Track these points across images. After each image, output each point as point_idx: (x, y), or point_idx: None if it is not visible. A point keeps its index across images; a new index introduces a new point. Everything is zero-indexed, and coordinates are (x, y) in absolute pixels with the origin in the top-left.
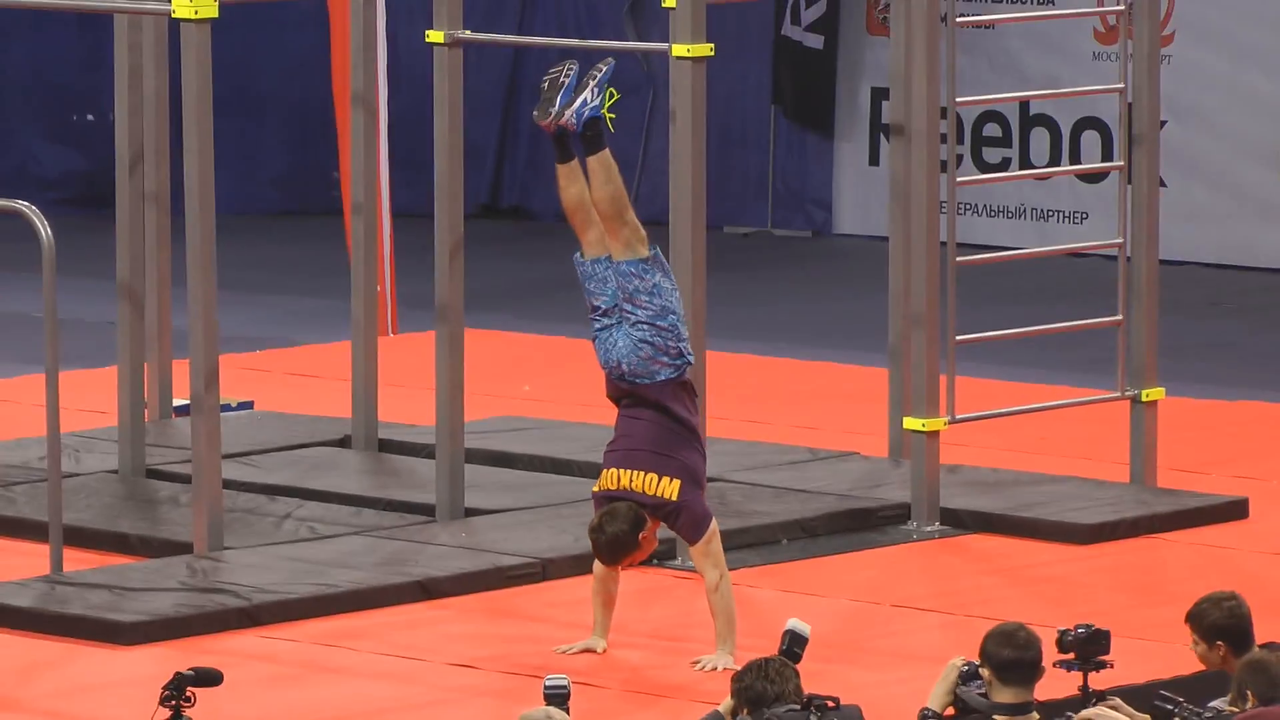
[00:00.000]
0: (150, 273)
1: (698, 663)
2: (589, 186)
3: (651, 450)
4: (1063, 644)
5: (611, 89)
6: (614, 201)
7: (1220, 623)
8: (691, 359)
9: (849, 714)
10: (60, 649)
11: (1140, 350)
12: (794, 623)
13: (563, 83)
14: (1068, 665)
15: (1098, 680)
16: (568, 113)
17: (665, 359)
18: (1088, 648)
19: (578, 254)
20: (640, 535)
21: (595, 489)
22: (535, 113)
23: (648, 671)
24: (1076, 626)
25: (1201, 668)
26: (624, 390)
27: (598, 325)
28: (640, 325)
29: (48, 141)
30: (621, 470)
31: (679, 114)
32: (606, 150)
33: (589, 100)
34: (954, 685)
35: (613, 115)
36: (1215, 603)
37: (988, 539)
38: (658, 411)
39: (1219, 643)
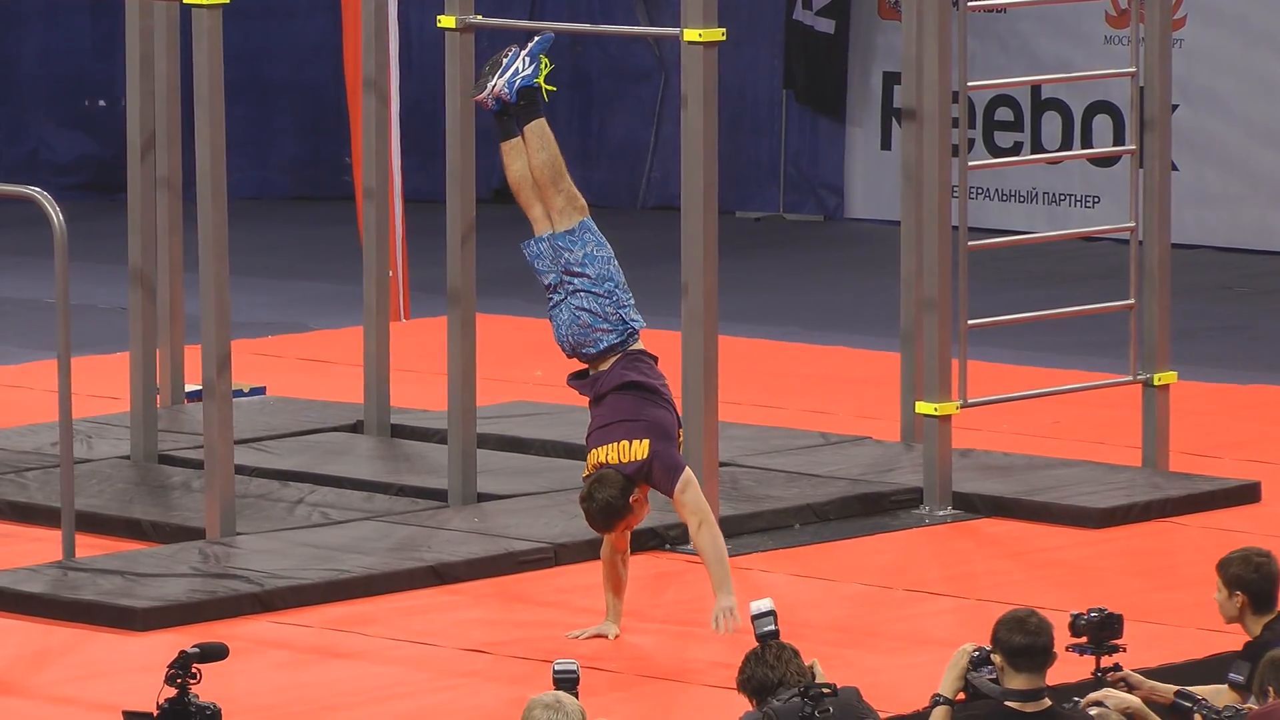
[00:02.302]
0: (162, 258)
1: (715, 627)
2: (527, 154)
3: (620, 420)
4: (1075, 628)
5: (546, 59)
6: (549, 167)
7: (1243, 574)
8: (636, 325)
9: (846, 696)
10: (73, 635)
11: (1152, 334)
12: (753, 605)
13: (502, 62)
14: (1080, 649)
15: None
16: (500, 83)
17: (606, 325)
18: (1100, 632)
19: (525, 240)
20: (630, 499)
21: (584, 475)
22: (472, 90)
23: (658, 656)
24: (1089, 611)
25: (1208, 654)
26: (585, 385)
27: (550, 303)
28: (578, 294)
29: (60, 127)
30: (598, 448)
31: (690, 99)
32: (543, 119)
33: (520, 70)
34: (965, 670)
35: (551, 88)
36: (1245, 555)
37: (1000, 523)
38: (618, 390)
39: (1238, 593)
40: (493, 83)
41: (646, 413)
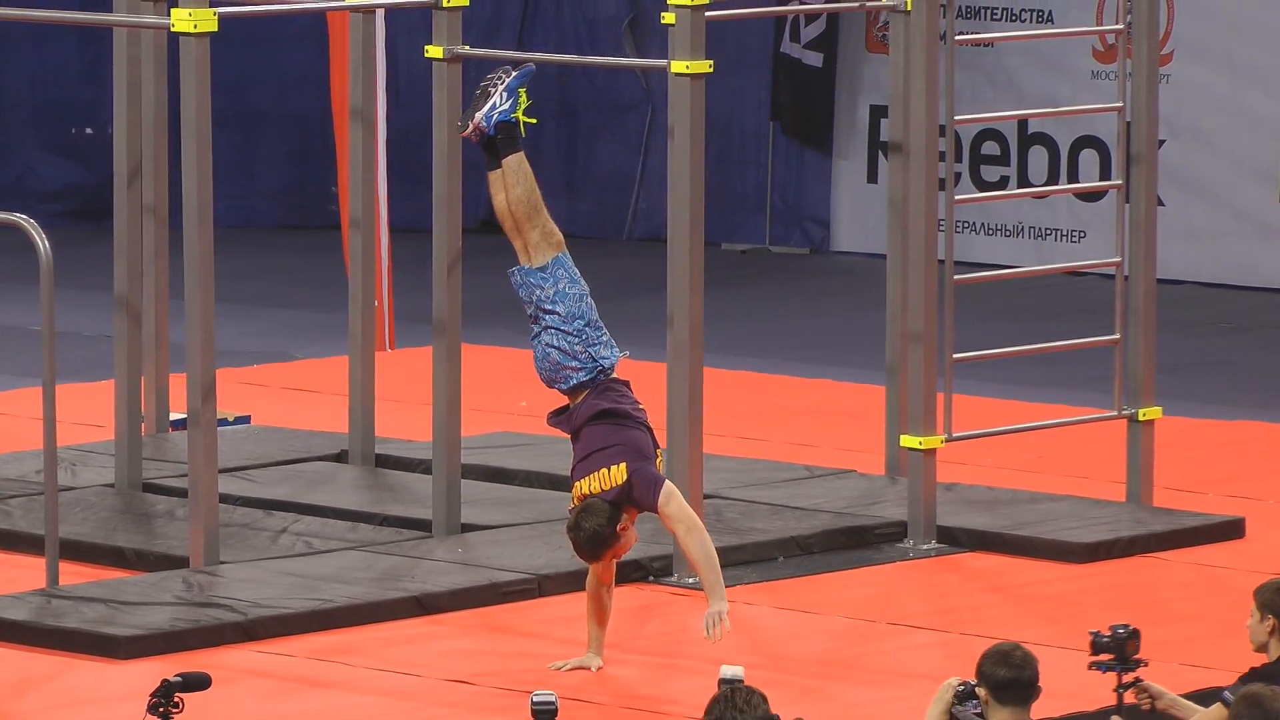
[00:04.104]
0: (148, 286)
1: (706, 634)
2: (505, 188)
3: (597, 450)
4: (1098, 646)
5: (524, 93)
6: (525, 203)
7: (1277, 600)
8: (607, 362)
9: None
10: (56, 662)
11: (1137, 369)
12: (725, 669)
13: (489, 91)
14: (1104, 666)
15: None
16: (478, 116)
17: (575, 363)
18: (1125, 648)
19: (511, 267)
20: (618, 526)
21: (569, 508)
22: (458, 123)
23: (640, 688)
24: (1114, 627)
25: (1192, 689)
26: (563, 422)
27: (531, 335)
28: (550, 330)
29: (47, 154)
30: (580, 481)
31: (678, 130)
32: (520, 153)
33: (498, 104)
34: (950, 705)
35: (531, 120)
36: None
37: (984, 557)
38: (592, 421)
39: (1270, 617)
40: (475, 116)
41: (621, 437)
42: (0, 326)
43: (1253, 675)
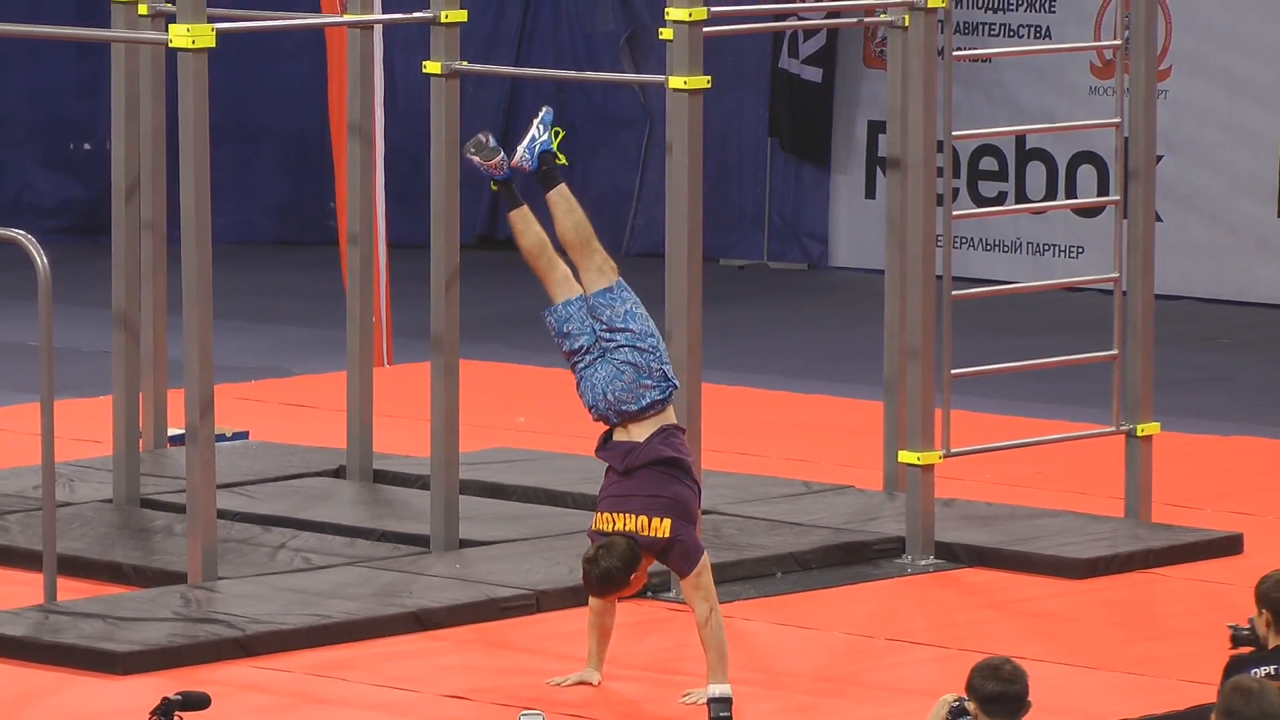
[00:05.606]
0: (146, 302)
1: (687, 695)
2: (553, 220)
3: (643, 495)
4: (1239, 638)
5: (557, 128)
6: (580, 229)
7: (1270, 593)
8: (677, 383)
9: None
10: (53, 678)
11: (1135, 385)
12: (713, 688)
13: (484, 141)
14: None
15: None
16: (520, 150)
17: (649, 381)
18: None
19: (546, 308)
20: (632, 575)
21: (592, 528)
22: (487, 167)
23: (641, 704)
24: (1252, 619)
25: (1189, 705)
26: (617, 457)
27: (581, 364)
28: (621, 349)
29: (45, 170)
30: (615, 514)
31: (675, 146)
32: (564, 184)
33: (537, 137)
34: None
35: (561, 156)
36: (1277, 578)
37: (982, 573)
38: (654, 464)
39: (1263, 611)
40: (502, 155)
41: (671, 490)
42: None
43: (1234, 663)
